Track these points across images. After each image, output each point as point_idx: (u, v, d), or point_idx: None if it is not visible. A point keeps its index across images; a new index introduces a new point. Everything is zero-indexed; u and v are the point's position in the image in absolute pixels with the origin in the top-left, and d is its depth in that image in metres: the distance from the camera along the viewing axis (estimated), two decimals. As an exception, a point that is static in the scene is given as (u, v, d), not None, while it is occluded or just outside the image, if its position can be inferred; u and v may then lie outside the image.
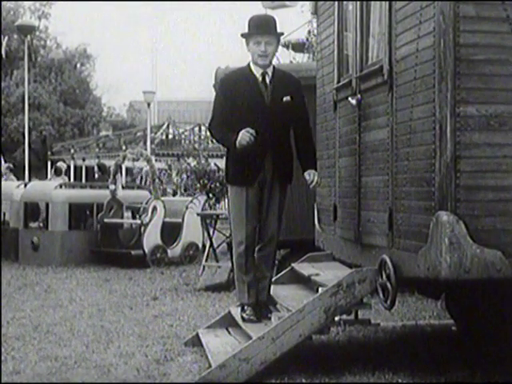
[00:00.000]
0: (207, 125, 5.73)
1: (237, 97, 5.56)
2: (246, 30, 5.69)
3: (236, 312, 6.06)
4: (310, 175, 5.63)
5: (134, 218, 13.43)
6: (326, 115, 6.71)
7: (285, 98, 5.56)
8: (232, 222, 5.68)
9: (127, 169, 27.15)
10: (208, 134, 32.64)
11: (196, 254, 12.90)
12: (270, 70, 5.64)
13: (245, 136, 5.41)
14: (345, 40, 6.26)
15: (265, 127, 5.50)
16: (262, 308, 5.68)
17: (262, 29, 5.59)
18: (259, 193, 5.59)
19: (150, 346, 6.15)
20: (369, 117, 5.61)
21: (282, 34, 5.74)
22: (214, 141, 6.23)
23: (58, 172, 16.21)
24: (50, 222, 12.62)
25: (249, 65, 5.68)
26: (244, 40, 5.70)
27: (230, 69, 11.21)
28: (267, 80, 5.61)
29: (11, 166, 17.53)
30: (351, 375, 5.16)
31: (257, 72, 5.62)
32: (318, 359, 5.53)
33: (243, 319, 5.67)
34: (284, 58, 24.55)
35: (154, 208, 12.72)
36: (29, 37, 24.96)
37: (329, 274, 5.87)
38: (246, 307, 5.67)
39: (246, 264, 5.59)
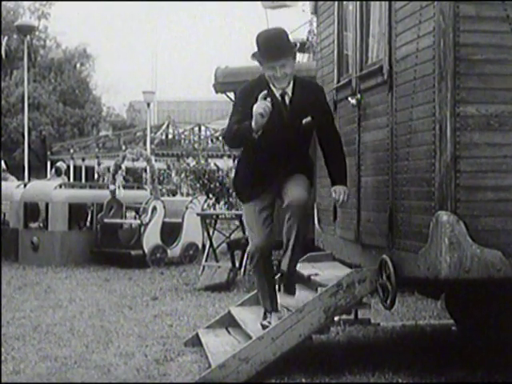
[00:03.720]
0: (221, 137, 5.59)
1: None
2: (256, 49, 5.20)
3: (236, 312, 6.06)
4: (336, 192, 5.32)
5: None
6: (325, 115, 6.69)
7: (304, 120, 5.19)
8: (246, 227, 5.52)
9: (127, 169, 27.14)
10: (208, 133, 32.65)
11: (196, 254, 12.89)
12: (289, 88, 5.20)
13: (261, 104, 4.93)
14: (345, 40, 6.26)
15: (280, 146, 5.17)
16: (284, 280, 5.36)
17: (273, 54, 5.08)
18: (271, 198, 5.32)
19: (150, 346, 6.14)
20: (369, 117, 5.61)
21: (296, 45, 5.26)
22: (232, 147, 5.88)
23: (58, 172, 16.20)
24: (49, 222, 12.61)
25: (267, 82, 5.21)
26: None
27: (229, 69, 11.25)
28: (287, 100, 5.20)
29: (4, 166, 17.38)
30: (351, 375, 5.16)
31: (276, 91, 5.19)
32: (318, 359, 5.52)
33: (263, 327, 5.30)
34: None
35: (154, 208, 12.72)
36: (28, 37, 24.94)
37: (329, 274, 5.86)
38: (267, 314, 5.39)
39: (263, 272, 5.35)
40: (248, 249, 5.43)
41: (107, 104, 46.15)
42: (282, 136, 5.15)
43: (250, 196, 5.33)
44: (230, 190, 12.15)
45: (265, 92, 5.00)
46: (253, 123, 4.97)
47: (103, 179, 15.36)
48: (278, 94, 5.18)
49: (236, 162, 5.55)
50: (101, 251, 12.66)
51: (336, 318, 5.65)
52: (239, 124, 5.09)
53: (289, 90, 5.21)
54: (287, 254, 5.26)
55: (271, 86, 5.17)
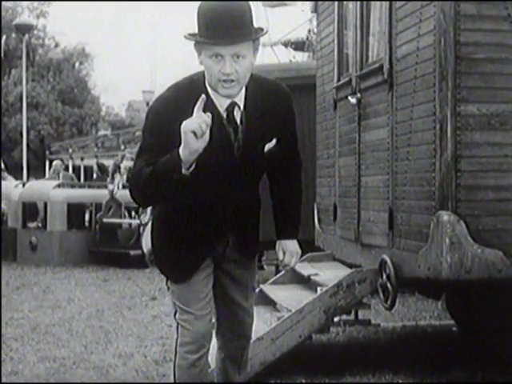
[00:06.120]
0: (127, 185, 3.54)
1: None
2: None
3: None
4: (286, 251, 3.42)
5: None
6: (325, 114, 6.68)
7: (267, 147, 3.20)
8: (177, 307, 3.55)
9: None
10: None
11: (195, 253, 12.86)
12: (240, 98, 3.13)
13: (196, 118, 2.88)
14: (345, 39, 6.24)
15: (227, 194, 3.22)
16: None
17: (223, 32, 2.97)
18: (212, 273, 3.46)
19: (149, 347, 6.13)
20: (369, 116, 5.59)
21: (263, 31, 3.10)
22: (145, 203, 3.65)
23: (56, 172, 16.17)
24: (48, 221, 12.60)
25: (205, 85, 3.11)
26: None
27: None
28: (237, 116, 3.14)
29: (3, 166, 17.33)
30: (351, 376, 5.14)
31: (219, 103, 3.10)
32: (318, 360, 5.50)
33: None
34: (284, 57, 24.62)
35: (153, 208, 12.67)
36: (27, 36, 24.94)
37: (329, 274, 5.84)
38: None
39: (203, 374, 3.38)
40: (180, 337, 3.40)
41: (106, 103, 46.20)
42: (230, 177, 3.19)
43: (183, 276, 3.52)
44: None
45: (203, 97, 2.93)
46: (181, 150, 2.92)
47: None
48: (222, 109, 3.12)
49: (150, 224, 3.61)
50: (100, 251, 12.64)
51: (336, 319, 5.62)
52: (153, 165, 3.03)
53: (239, 101, 3.14)
54: None
55: (211, 95, 3.09)
